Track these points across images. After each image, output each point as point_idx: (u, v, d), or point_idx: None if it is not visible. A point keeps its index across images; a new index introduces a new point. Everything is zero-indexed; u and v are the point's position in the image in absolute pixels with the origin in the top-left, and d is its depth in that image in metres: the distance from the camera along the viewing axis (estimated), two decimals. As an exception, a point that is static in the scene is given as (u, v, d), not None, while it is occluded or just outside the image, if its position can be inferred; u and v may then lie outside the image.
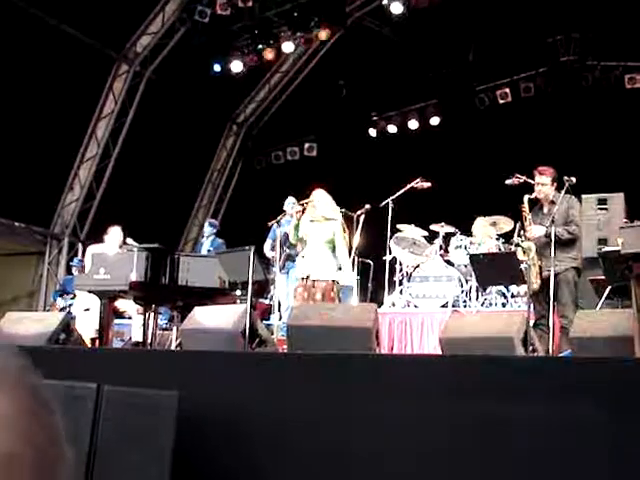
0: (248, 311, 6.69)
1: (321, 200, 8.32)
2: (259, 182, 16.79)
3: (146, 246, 8.01)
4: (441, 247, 10.90)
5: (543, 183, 7.67)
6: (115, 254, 8.52)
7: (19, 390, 0.79)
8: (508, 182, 8.52)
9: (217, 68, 14.70)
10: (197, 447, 4.75)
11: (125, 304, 9.08)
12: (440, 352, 5.95)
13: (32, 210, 13.80)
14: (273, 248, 10.45)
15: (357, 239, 8.86)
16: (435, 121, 15.10)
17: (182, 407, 4.49)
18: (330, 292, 8.03)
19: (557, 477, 3.96)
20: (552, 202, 7.65)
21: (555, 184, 7.68)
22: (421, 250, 11.04)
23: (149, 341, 8.21)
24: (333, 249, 8.20)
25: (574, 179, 7.64)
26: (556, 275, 7.15)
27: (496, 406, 4.18)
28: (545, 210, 7.71)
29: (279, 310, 10.06)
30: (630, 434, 3.81)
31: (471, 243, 10.68)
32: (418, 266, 10.77)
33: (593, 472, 3.85)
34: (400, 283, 10.87)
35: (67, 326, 7.43)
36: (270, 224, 9.87)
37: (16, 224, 13.79)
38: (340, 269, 8.21)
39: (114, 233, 9.58)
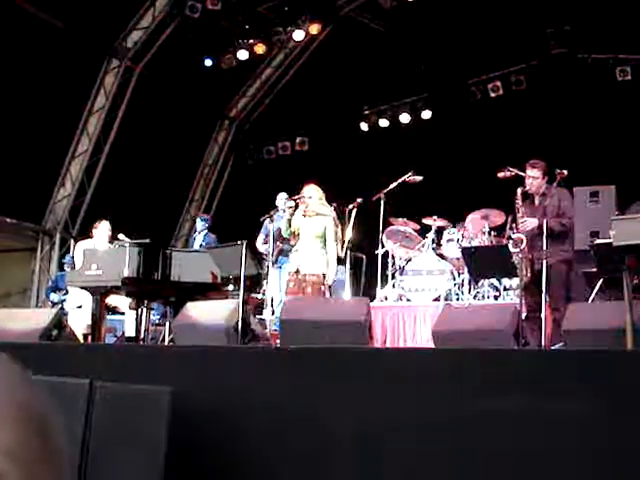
0: (240, 306, 6.69)
1: (313, 195, 8.35)
2: (251, 177, 16.79)
3: (138, 242, 8.00)
4: (433, 240, 10.90)
5: (534, 176, 7.68)
6: (107, 250, 8.51)
7: (5, 410, 0.77)
8: (500, 175, 8.54)
9: (208, 63, 14.69)
10: (190, 442, 4.75)
11: (117, 300, 9.07)
12: (433, 345, 5.96)
13: (23, 206, 13.76)
14: (266, 243, 10.44)
15: (349, 233, 8.87)
16: (427, 115, 15.09)
17: (175, 402, 4.49)
18: (320, 286, 8.05)
19: (550, 469, 3.97)
20: (543, 194, 7.67)
21: (546, 177, 7.70)
22: (413, 244, 11.04)
23: (142, 337, 8.21)
24: (324, 244, 8.22)
25: (566, 172, 7.66)
26: (548, 267, 7.16)
27: (488, 399, 4.19)
28: (536, 202, 7.72)
29: (272, 305, 10.06)
30: (623, 426, 3.82)
31: (463, 236, 10.68)
32: (410, 260, 10.77)
33: (584, 465, 3.86)
34: (392, 277, 10.86)
35: (59, 322, 7.41)
36: (263, 219, 9.87)
37: (7, 220, 13.75)
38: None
39: (103, 227, 9.56)
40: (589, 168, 10.79)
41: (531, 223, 7.47)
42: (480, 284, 10.26)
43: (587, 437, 3.89)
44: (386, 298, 10.65)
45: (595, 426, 3.88)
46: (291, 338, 6.07)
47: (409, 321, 9.71)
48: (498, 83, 14.26)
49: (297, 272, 8.18)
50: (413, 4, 13.17)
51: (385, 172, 11.54)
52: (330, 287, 8.31)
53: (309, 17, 13.78)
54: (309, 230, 8.25)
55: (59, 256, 14.26)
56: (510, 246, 7.35)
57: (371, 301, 7.99)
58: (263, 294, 10.70)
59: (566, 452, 3.91)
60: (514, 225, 7.69)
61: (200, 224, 11.91)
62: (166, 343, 8.15)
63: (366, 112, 15.74)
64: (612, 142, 12.41)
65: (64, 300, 10.55)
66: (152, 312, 9.57)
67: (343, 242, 8.62)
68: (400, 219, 11.19)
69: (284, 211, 9.11)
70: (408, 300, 10.43)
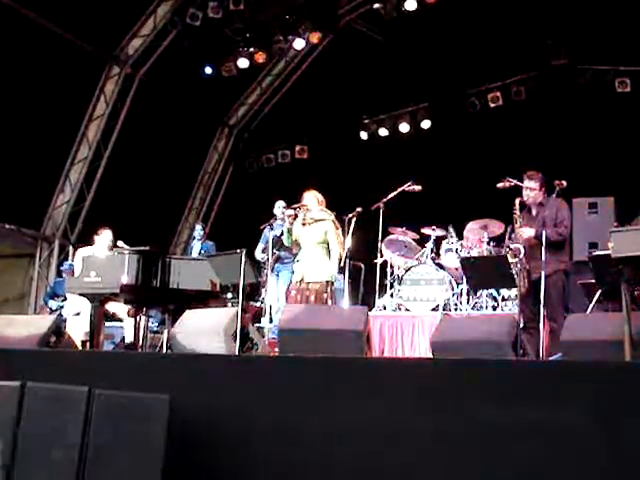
0: (239, 314, 6.69)
1: (311, 202, 8.34)
2: (250, 185, 16.78)
3: (137, 249, 7.99)
4: (432, 250, 10.90)
5: (531, 187, 7.69)
6: (106, 257, 8.50)
7: None
8: (499, 185, 8.54)
9: (209, 71, 14.69)
10: (188, 450, 4.75)
11: (115, 307, 9.06)
12: (431, 355, 5.96)
13: (22, 212, 13.74)
14: (264, 251, 10.45)
15: (348, 242, 8.85)
16: (426, 124, 15.09)
17: (173, 410, 4.49)
18: (323, 294, 8.03)
19: (548, 478, 3.98)
20: (541, 205, 7.67)
21: (543, 188, 7.70)
22: (412, 253, 11.05)
23: (140, 344, 8.19)
24: (327, 250, 8.21)
25: (565, 183, 7.67)
26: (545, 278, 7.16)
27: (486, 409, 4.19)
28: (534, 213, 7.73)
29: (270, 313, 10.05)
30: (620, 437, 3.82)
31: (462, 246, 10.69)
32: (409, 269, 10.77)
33: (582, 474, 3.87)
34: (391, 286, 10.86)
35: (58, 329, 7.42)
36: (262, 228, 9.88)
37: (6, 226, 13.74)
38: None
39: (106, 235, 9.55)
40: (588, 179, 10.82)
41: (527, 232, 7.47)
42: (478, 294, 10.26)
43: (585, 447, 3.89)
44: (385, 307, 10.65)
45: (593, 436, 3.88)
46: (289, 346, 6.06)
47: (407, 331, 9.71)
48: (498, 93, 14.27)
49: (301, 281, 8.17)
50: (413, 14, 13.18)
51: (384, 181, 11.54)
52: (333, 285, 8.25)
53: (310, 26, 13.79)
54: (310, 238, 8.24)
55: (58, 263, 14.23)
56: (509, 256, 7.34)
57: (370, 310, 7.98)
58: (262, 302, 10.70)
59: (564, 461, 3.91)
60: (513, 236, 7.69)
61: (200, 232, 11.93)
62: (164, 351, 8.14)
63: (366, 121, 15.75)
64: (611, 153, 12.41)
65: (62, 307, 10.54)
66: (151, 319, 9.56)
67: (344, 250, 8.60)
68: (399, 228, 11.20)
69: (283, 220, 9.10)
70: (407, 310, 10.43)
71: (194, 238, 12.45)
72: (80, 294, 8.23)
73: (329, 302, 8.08)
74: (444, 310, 10.11)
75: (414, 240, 11.21)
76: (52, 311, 11.11)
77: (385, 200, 10.63)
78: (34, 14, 12.57)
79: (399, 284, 10.70)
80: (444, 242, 10.92)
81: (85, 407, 4.66)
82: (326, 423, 4.66)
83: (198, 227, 12.33)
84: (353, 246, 9.04)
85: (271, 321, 9.72)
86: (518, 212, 7.69)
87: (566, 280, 7.57)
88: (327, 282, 8.09)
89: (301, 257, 8.30)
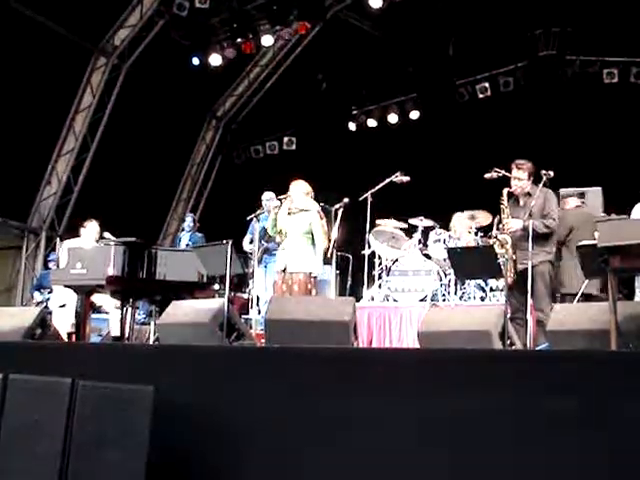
0: (226, 305, 6.67)
1: (297, 192, 8.30)
2: (238, 176, 16.77)
3: (123, 240, 7.96)
4: (420, 241, 10.90)
5: (520, 177, 7.65)
6: (92, 248, 8.47)
7: None
8: (487, 176, 8.52)
9: (196, 62, 14.63)
10: (173, 441, 4.73)
11: (102, 299, 9.02)
12: (419, 346, 5.96)
13: (9, 204, 13.69)
14: (252, 242, 10.43)
15: (336, 233, 8.82)
16: (415, 115, 15.12)
17: (159, 402, 4.46)
18: (307, 284, 8.01)
19: (534, 469, 3.97)
20: (528, 195, 7.64)
21: (532, 178, 7.67)
22: (400, 244, 11.04)
23: (127, 336, 8.17)
24: (312, 240, 8.18)
25: (552, 173, 7.64)
26: (532, 268, 7.15)
27: (474, 399, 4.18)
28: (521, 203, 7.70)
29: (257, 304, 10.04)
30: (606, 426, 3.82)
31: (450, 237, 10.69)
32: (397, 260, 10.77)
33: (568, 463, 3.87)
34: (379, 277, 10.87)
35: (43, 321, 7.38)
36: (249, 219, 9.85)
37: (-8, 218, 13.71)
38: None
39: (92, 227, 9.50)
40: (576, 169, 10.82)
41: (516, 224, 7.44)
42: (466, 285, 10.27)
43: (566, 435, 3.89)
44: (372, 298, 10.65)
45: (577, 426, 3.88)
46: (276, 337, 6.05)
47: (395, 321, 9.70)
48: (486, 84, 14.31)
49: (284, 270, 8.14)
50: (402, 5, 13.16)
51: (372, 172, 11.53)
52: (315, 278, 8.23)
53: (297, 16, 13.75)
54: (295, 228, 8.20)
55: (44, 255, 14.19)
56: (496, 247, 7.33)
57: (357, 301, 7.97)
58: (249, 293, 10.68)
59: (550, 451, 3.91)
60: (500, 226, 7.67)
61: (191, 224, 11.89)
62: (151, 342, 8.11)
63: (354, 112, 15.74)
64: (599, 144, 12.45)
65: (48, 299, 10.49)
66: (138, 311, 9.53)
67: (329, 241, 8.57)
68: (387, 219, 11.18)
69: (269, 212, 9.07)
70: (394, 300, 10.44)
71: (183, 229, 12.41)
72: (66, 286, 8.20)
73: (313, 292, 8.07)
74: (432, 301, 10.13)
75: (402, 231, 11.19)
76: (38, 303, 11.06)
77: (373, 191, 10.61)
78: (19, 4, 12.50)
79: (387, 275, 10.71)
80: (432, 233, 10.92)
81: (68, 399, 4.64)
82: (312, 413, 4.64)
83: (188, 218, 12.27)
84: (341, 237, 9.03)
85: (259, 312, 9.70)
86: (505, 202, 7.66)
87: (552, 270, 7.57)
88: (310, 273, 8.07)
89: (285, 246, 8.26)
